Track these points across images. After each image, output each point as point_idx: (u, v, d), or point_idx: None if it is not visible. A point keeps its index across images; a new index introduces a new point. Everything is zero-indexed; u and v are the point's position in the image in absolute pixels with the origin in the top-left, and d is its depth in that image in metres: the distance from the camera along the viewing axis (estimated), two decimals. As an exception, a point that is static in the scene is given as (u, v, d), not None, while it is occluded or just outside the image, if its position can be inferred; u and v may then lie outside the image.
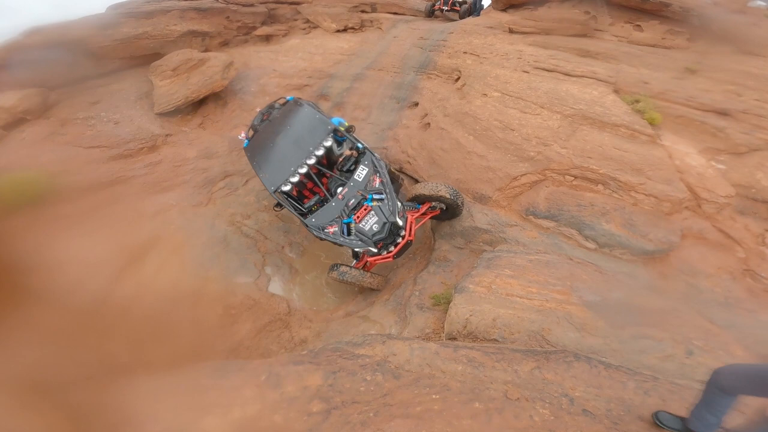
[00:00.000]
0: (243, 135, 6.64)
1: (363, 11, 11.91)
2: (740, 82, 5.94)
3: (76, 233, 5.16)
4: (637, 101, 5.75)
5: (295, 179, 5.54)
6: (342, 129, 5.84)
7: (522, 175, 5.70)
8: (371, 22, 11.56)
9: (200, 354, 3.82)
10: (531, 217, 5.50)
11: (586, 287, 4.20)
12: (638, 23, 7.41)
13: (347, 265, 5.17)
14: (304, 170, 5.54)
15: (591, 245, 5.13)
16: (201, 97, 8.59)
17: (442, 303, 4.58)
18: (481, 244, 5.49)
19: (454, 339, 3.86)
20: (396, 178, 6.25)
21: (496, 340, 3.71)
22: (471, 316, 3.94)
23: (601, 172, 5.34)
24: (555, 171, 5.61)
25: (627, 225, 5.02)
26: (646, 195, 5.13)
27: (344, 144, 6.05)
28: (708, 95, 5.83)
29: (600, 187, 5.39)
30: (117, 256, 5.09)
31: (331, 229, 5.06)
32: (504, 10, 9.06)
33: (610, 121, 5.58)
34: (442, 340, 3.96)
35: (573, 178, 5.55)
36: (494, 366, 3.01)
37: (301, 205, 5.57)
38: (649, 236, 4.88)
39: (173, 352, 3.60)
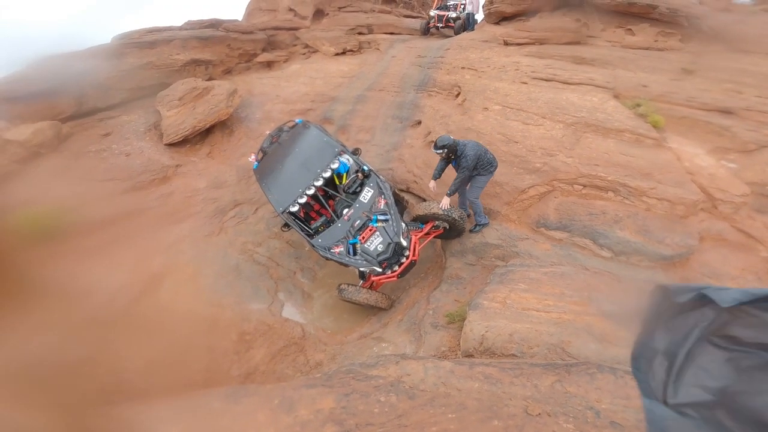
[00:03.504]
0: (253, 157, 6.78)
1: (360, 33, 12.17)
2: (738, 79, 5.91)
3: (95, 265, 5.28)
4: (638, 105, 5.72)
5: (303, 200, 5.64)
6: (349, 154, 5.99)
7: (529, 188, 5.65)
8: (369, 43, 11.75)
9: (215, 379, 3.81)
10: (542, 229, 5.42)
11: (605, 297, 4.07)
12: (629, 27, 7.51)
13: (350, 284, 5.20)
14: (311, 192, 5.64)
15: (606, 254, 5.00)
16: (208, 126, 8.59)
17: (457, 320, 4.48)
18: (493, 259, 5.40)
19: (471, 356, 3.76)
20: (400, 199, 6.32)
21: (514, 355, 3.61)
22: (487, 332, 3.86)
23: (609, 179, 5.27)
24: (563, 181, 5.55)
25: (642, 231, 4.91)
26: (658, 199, 5.03)
27: (350, 169, 6.13)
28: (708, 95, 5.79)
29: (610, 194, 5.31)
30: (132, 288, 5.15)
31: (337, 250, 5.12)
32: (497, 23, 9.26)
33: (613, 127, 5.55)
34: (459, 357, 3.86)
35: (582, 186, 5.48)
36: (512, 382, 2.91)
37: (308, 227, 5.64)
38: (666, 241, 4.75)
39: (187, 378, 3.59)
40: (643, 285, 4.40)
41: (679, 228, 4.84)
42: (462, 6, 12.08)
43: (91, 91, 8.58)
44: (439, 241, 6.02)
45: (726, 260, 4.65)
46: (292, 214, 5.63)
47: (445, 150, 5.18)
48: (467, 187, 5.50)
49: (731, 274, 4.52)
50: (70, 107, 8.34)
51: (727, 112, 5.61)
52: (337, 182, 5.97)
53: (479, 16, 11.24)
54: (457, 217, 5.28)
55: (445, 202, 5.25)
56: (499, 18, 9.12)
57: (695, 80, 6.12)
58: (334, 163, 5.83)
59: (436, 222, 5.44)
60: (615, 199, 5.27)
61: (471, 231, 5.62)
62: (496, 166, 5.33)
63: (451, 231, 5.56)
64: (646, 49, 7.09)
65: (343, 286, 5.20)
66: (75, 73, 8.49)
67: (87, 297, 4.35)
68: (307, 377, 3.31)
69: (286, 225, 5.69)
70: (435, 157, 7.00)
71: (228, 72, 11.00)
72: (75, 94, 8.35)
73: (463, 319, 4.16)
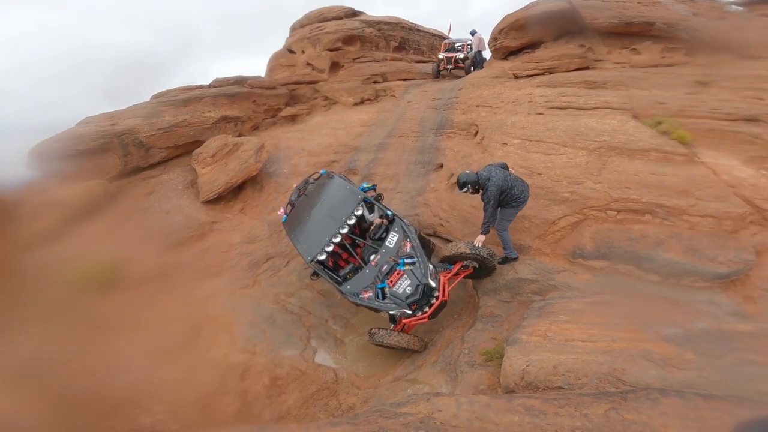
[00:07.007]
0: (282, 210, 7.07)
1: (375, 82, 12.72)
2: (756, 86, 5.74)
3: (143, 317, 5.58)
4: (660, 123, 5.59)
5: (330, 248, 5.74)
6: (371, 191, 6.14)
7: (560, 218, 5.49)
8: (385, 91, 12.24)
9: (246, 423, 3.72)
10: (579, 260, 5.17)
11: (661, 322, 3.77)
12: (633, 47, 7.55)
13: (381, 328, 5.11)
14: (338, 239, 5.76)
15: (654, 278, 4.67)
16: (239, 182, 8.90)
17: (495, 358, 4.24)
18: (529, 294, 5.15)
19: (512, 392, 3.47)
20: (427, 242, 6.31)
21: (560, 387, 3.29)
22: (528, 366, 3.59)
23: (644, 201, 5.06)
24: (594, 208, 5.36)
25: (689, 251, 4.58)
26: (701, 216, 4.73)
27: (374, 211, 6.26)
28: (730, 104, 5.61)
29: (648, 216, 5.05)
30: (170, 337, 5.31)
31: (366, 295, 5.10)
32: (504, 58, 9.52)
33: (638, 147, 5.42)
34: (499, 394, 3.57)
35: (616, 212, 5.27)
36: (557, 412, 2.64)
37: (336, 275, 5.68)
38: (719, 259, 4.39)
39: (218, 421, 3.52)
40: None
41: (731, 244, 4.48)
42: (468, 46, 12.71)
43: (133, 150, 9.26)
44: (470, 281, 5.86)
45: (790, 273, 4.20)
46: (320, 262, 5.71)
47: (469, 187, 5.17)
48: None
49: (798, 287, 4.06)
50: (116, 167, 8.98)
51: (753, 120, 5.38)
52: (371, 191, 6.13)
53: (487, 54, 11.64)
54: (485, 255, 5.16)
55: (479, 239, 5.18)
56: (505, 53, 9.40)
57: (712, 91, 5.98)
58: (358, 209, 5.99)
59: (465, 262, 5.34)
60: (653, 221, 5.00)
61: (498, 263, 5.46)
62: (524, 199, 5.21)
63: (481, 270, 5.43)
64: (655, 66, 7.05)
65: (374, 330, 5.10)
66: (118, 131, 9.13)
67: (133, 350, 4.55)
68: (333, 417, 3.15)
69: (315, 274, 5.78)
70: (460, 198, 7.08)
71: (256, 128, 11.61)
72: (120, 154, 9.03)
73: (501, 356, 3.92)
